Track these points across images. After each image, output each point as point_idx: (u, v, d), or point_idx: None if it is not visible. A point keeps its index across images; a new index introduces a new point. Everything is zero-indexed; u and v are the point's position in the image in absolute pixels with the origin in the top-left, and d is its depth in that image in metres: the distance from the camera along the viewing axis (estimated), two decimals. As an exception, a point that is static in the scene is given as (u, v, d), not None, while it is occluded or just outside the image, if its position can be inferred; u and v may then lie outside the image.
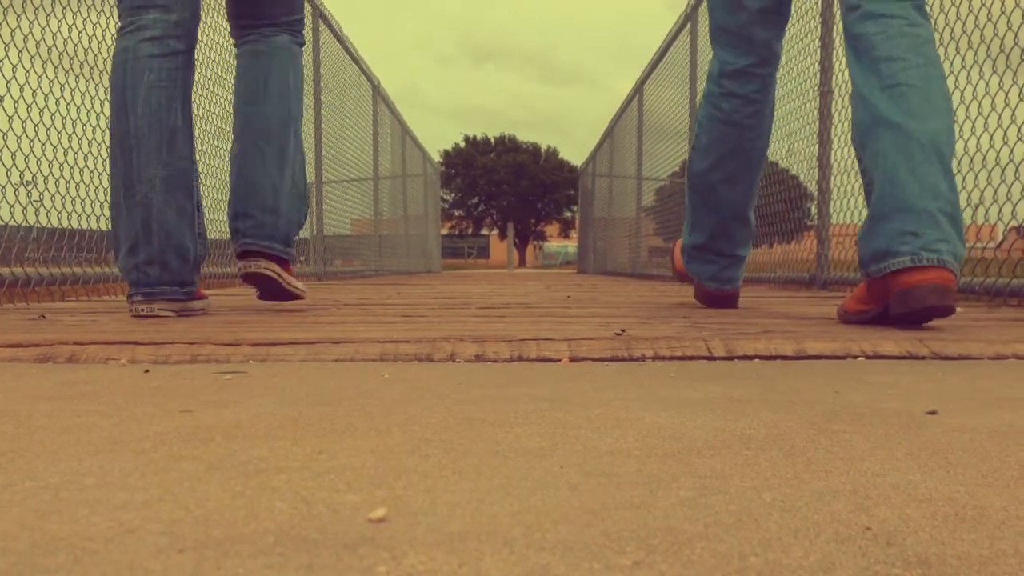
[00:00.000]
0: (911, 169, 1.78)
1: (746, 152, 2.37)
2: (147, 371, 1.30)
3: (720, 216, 2.46)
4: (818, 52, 4.21)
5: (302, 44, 2.46)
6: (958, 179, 2.17)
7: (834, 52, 4.11)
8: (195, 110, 2.39)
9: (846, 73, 4.00)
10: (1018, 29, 2.74)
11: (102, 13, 3.45)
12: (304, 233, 6.57)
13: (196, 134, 2.31)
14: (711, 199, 2.45)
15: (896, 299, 1.75)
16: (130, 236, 2.13)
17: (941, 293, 1.70)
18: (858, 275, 2.56)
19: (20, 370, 1.33)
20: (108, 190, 3.28)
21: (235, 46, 2.44)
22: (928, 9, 1.94)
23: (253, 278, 2.37)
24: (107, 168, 3.40)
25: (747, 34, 2.30)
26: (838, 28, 4.08)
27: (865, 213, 1.88)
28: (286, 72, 2.35)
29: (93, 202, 3.41)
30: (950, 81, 3.10)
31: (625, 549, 0.49)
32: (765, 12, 2.29)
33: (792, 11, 2.41)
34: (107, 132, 3.28)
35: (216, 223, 4.89)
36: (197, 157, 2.26)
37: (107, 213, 3.46)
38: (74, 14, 3.27)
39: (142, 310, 2.14)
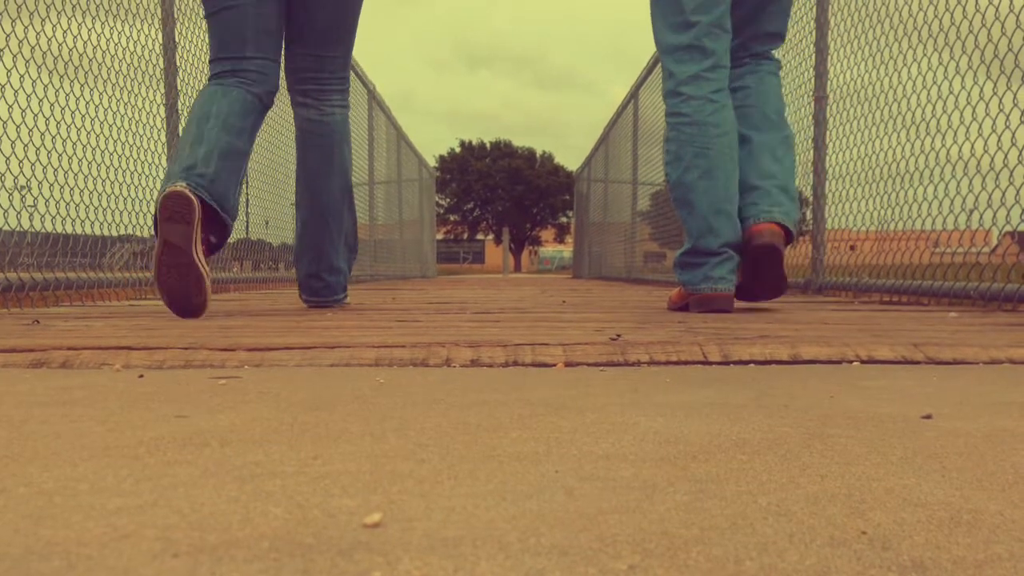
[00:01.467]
0: (752, 164, 2.59)
1: (715, 148, 2.55)
2: (141, 376, 1.30)
3: (702, 212, 2.55)
4: (812, 58, 4.23)
5: (348, 106, 2.87)
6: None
7: (829, 57, 4.13)
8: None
9: (841, 79, 4.03)
10: (1012, 34, 2.75)
11: (97, 19, 3.45)
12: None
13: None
14: (691, 198, 2.57)
15: (750, 248, 2.53)
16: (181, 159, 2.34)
17: (773, 236, 2.50)
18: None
19: (14, 375, 1.33)
20: (102, 195, 3.31)
21: (294, 104, 2.81)
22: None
23: None
24: (102, 173, 3.41)
25: (699, 44, 2.57)
26: (833, 33, 4.11)
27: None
28: (343, 149, 2.80)
29: (88, 207, 3.41)
30: (944, 87, 3.12)
31: (620, 553, 0.49)
32: (713, 25, 2.57)
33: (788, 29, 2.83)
34: (102, 137, 3.32)
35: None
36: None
37: (101, 218, 3.49)
38: (69, 19, 3.26)
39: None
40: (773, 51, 2.77)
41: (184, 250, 2.17)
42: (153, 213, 2.25)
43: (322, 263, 2.82)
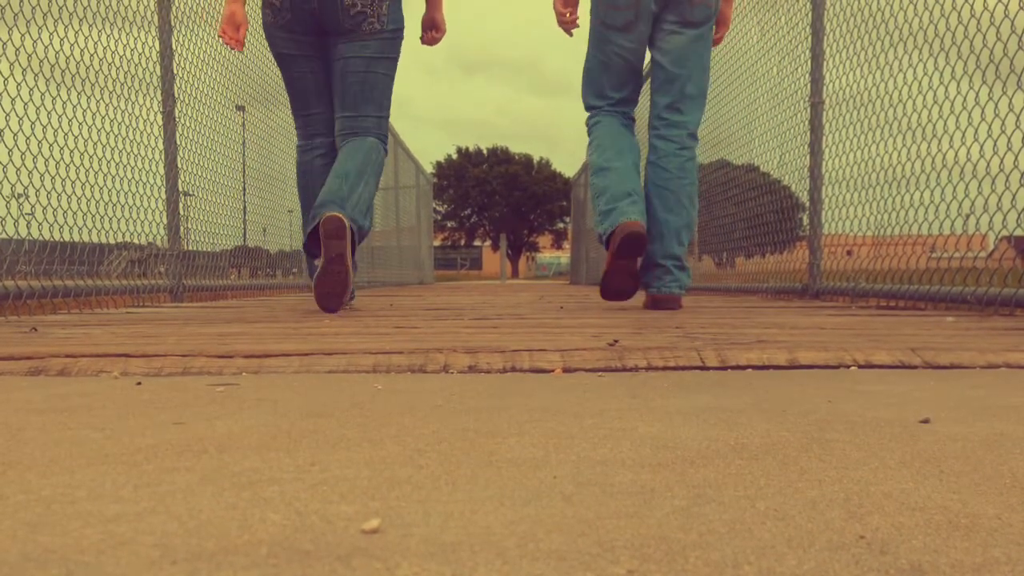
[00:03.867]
0: (661, 244, 3.15)
1: (628, 141, 3.23)
2: (139, 383, 1.30)
3: (619, 177, 3.08)
4: (808, 64, 4.24)
5: (386, 149, 3.32)
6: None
7: (824, 63, 4.14)
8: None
9: (837, 84, 4.04)
10: (1007, 39, 2.76)
11: (93, 26, 3.45)
12: (294, 247, 6.58)
13: None
14: (610, 172, 3.12)
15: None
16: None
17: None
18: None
19: (11, 383, 1.33)
20: (99, 203, 3.36)
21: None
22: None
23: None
24: (98, 180, 3.45)
25: (616, 109, 3.28)
26: (828, 39, 4.12)
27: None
28: (369, 153, 3.20)
29: (85, 215, 3.41)
30: (940, 91, 3.13)
31: (619, 558, 0.49)
32: (625, 100, 3.30)
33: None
34: (99, 144, 3.39)
35: (205, 235, 4.90)
36: None
37: (98, 226, 3.50)
38: (66, 27, 3.27)
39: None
40: (688, 122, 3.24)
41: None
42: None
43: (329, 194, 2.97)
